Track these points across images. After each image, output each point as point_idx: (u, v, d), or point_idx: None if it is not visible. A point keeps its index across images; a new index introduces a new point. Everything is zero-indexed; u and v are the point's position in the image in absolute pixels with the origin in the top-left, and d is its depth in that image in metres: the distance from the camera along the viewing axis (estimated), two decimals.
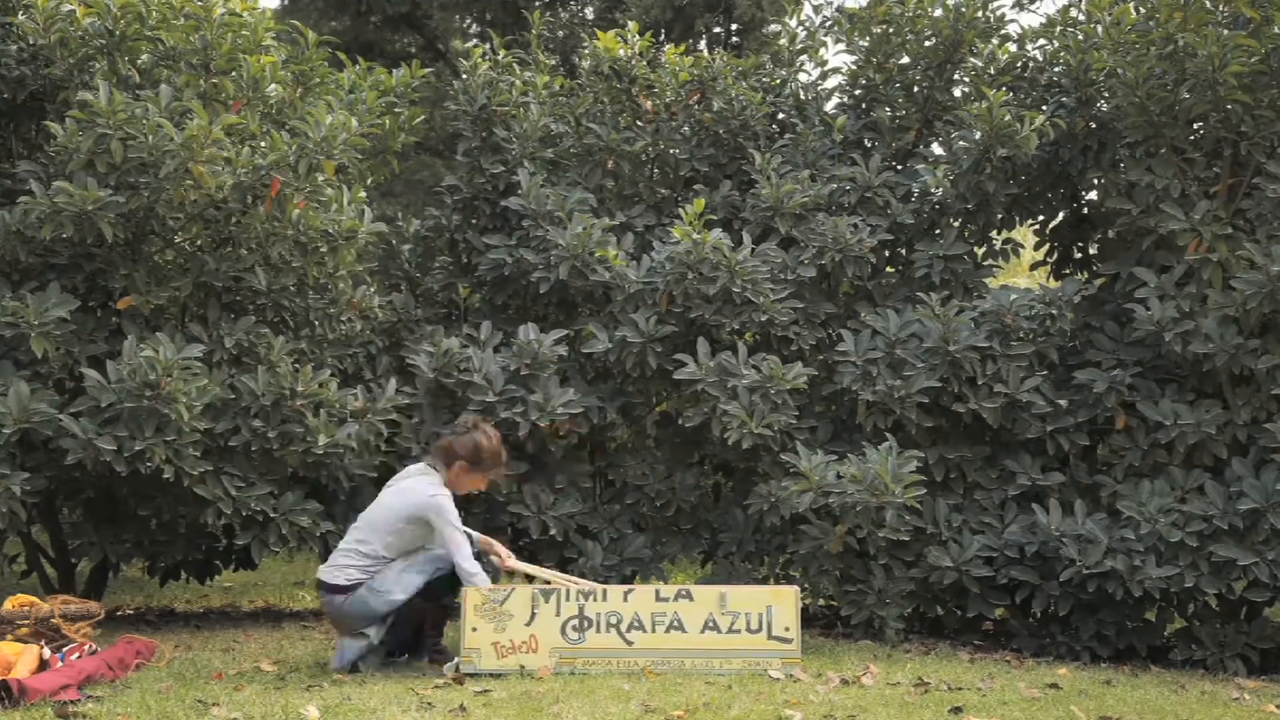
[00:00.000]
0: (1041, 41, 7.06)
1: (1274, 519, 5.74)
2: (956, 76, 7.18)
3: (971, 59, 7.09)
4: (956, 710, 4.54)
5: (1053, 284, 7.04)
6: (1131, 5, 6.27)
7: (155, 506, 6.15)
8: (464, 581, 5.13)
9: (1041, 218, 7.14)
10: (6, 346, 5.72)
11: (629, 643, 5.26)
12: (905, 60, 7.18)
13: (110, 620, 6.06)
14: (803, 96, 7.48)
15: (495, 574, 5.59)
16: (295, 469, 6.17)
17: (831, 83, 7.60)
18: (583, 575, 6.39)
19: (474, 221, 7.20)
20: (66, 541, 6.62)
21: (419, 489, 5.25)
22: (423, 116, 7.20)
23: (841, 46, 7.36)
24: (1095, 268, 6.96)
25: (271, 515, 6.08)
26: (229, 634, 6.19)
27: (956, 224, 6.94)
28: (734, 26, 14.09)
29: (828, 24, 7.47)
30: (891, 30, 7.10)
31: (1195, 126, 6.35)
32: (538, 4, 14.25)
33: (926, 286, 6.68)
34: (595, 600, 5.30)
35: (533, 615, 5.25)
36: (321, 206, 6.36)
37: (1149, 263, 6.39)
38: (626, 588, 5.40)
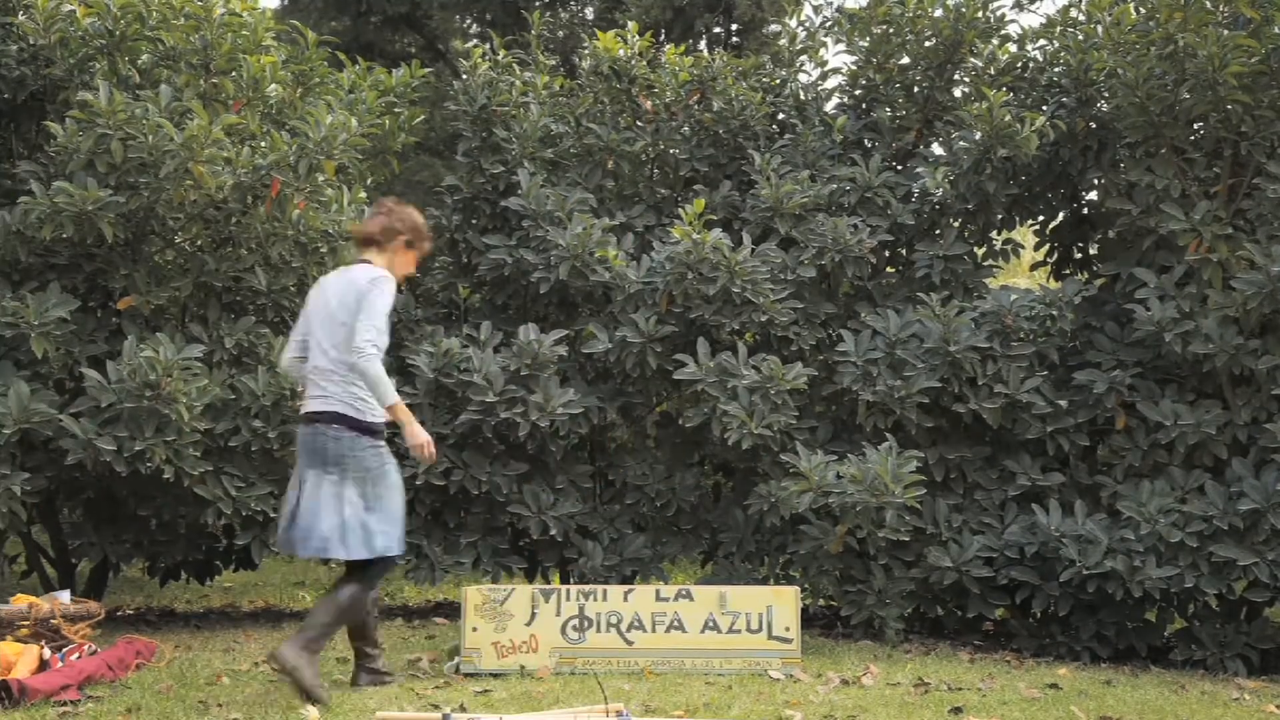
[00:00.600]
0: (1041, 42, 7.06)
1: (1274, 519, 5.74)
2: (957, 77, 7.18)
3: (972, 59, 7.08)
4: (956, 710, 4.54)
5: (1053, 284, 7.04)
6: (1131, 5, 6.27)
7: (155, 507, 6.16)
8: (364, 375, 4.48)
9: (1041, 218, 7.14)
10: (7, 346, 5.72)
11: (629, 643, 5.27)
12: (905, 60, 7.18)
13: (110, 620, 6.06)
14: (803, 97, 7.48)
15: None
16: None
17: (831, 83, 7.61)
18: (583, 575, 6.41)
19: (474, 221, 7.20)
20: (66, 541, 6.62)
21: (358, 273, 4.66)
22: (423, 117, 7.19)
23: (841, 47, 7.36)
24: (1095, 268, 6.96)
25: (271, 515, 6.07)
26: (229, 634, 6.19)
27: (957, 224, 6.94)
28: (734, 26, 14.08)
29: (828, 24, 7.48)
30: (891, 30, 7.10)
31: (1195, 127, 6.35)
32: (538, 4, 14.25)
33: (927, 287, 6.68)
34: (595, 600, 5.31)
35: (533, 615, 5.26)
36: (322, 207, 6.36)
37: (1149, 263, 6.39)
38: (626, 588, 5.40)
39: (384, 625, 6.53)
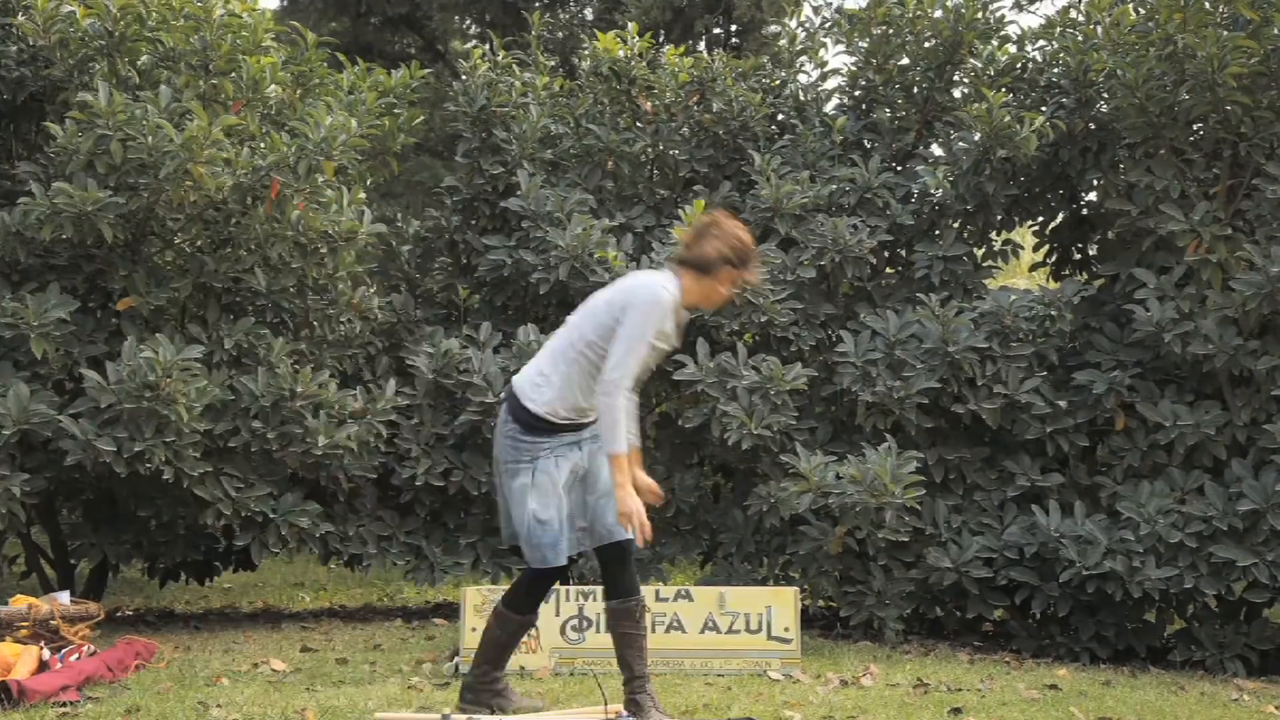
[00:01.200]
0: (1041, 42, 7.06)
1: (1273, 520, 5.74)
2: (956, 77, 7.18)
3: (971, 60, 7.09)
4: (956, 711, 4.54)
5: (1052, 285, 7.04)
6: (1131, 6, 6.28)
7: (155, 508, 6.15)
8: (601, 411, 3.85)
9: (1041, 219, 7.14)
10: (6, 347, 5.72)
11: None
12: (905, 61, 7.18)
13: (110, 621, 6.06)
14: (802, 97, 7.48)
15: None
16: (295, 470, 6.17)
17: (831, 84, 7.61)
18: (582, 575, 6.40)
19: (473, 222, 7.20)
20: (66, 542, 6.62)
21: (642, 281, 4.01)
22: (422, 117, 7.19)
23: (841, 48, 7.36)
24: (1095, 269, 6.96)
25: (271, 516, 6.08)
26: (228, 635, 6.19)
27: (956, 225, 6.94)
28: (733, 27, 14.07)
29: (827, 25, 7.48)
30: (891, 31, 7.10)
31: (1195, 127, 6.35)
32: (537, 5, 14.24)
33: (926, 287, 6.68)
34: (595, 600, 5.30)
35: None
36: (321, 207, 6.36)
37: (1148, 264, 6.40)
38: None
39: (383, 626, 6.53)
